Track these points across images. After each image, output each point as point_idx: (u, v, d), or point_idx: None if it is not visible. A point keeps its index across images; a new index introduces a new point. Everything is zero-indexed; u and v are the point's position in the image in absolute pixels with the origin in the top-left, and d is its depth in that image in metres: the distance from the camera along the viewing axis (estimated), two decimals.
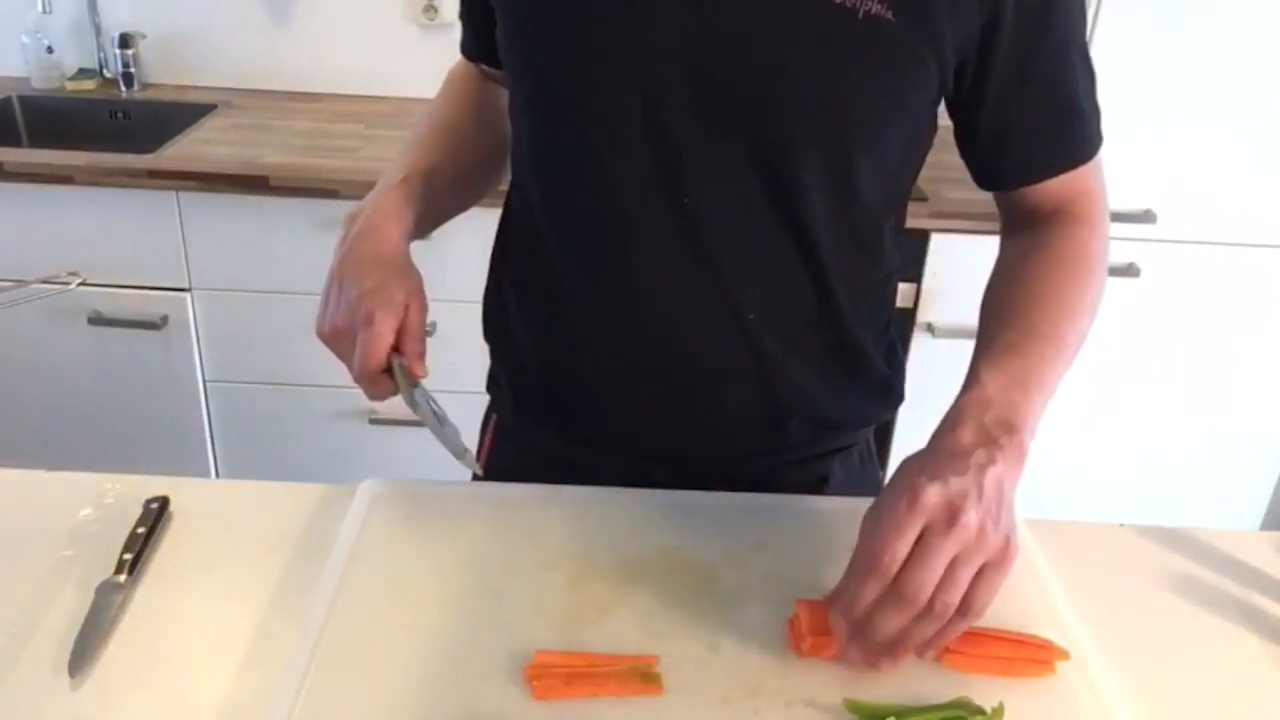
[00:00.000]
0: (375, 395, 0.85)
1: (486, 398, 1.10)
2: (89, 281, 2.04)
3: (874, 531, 0.70)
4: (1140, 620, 0.84)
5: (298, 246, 2.04)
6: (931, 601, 0.68)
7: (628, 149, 0.85)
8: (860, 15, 0.78)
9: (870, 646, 0.71)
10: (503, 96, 1.00)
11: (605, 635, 0.76)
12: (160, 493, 0.91)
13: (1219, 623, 0.84)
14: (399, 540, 0.85)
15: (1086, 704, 0.72)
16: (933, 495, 0.68)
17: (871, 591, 0.69)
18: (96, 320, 2.09)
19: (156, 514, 0.88)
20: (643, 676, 0.71)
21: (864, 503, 0.74)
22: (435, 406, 0.83)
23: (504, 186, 1.02)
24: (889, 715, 0.68)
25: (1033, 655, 0.75)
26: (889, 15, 0.78)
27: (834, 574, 0.82)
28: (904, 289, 2.04)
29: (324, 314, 0.86)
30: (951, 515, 0.68)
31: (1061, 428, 2.25)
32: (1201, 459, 2.29)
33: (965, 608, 0.69)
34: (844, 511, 0.90)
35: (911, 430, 2.04)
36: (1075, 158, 0.90)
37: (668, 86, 0.82)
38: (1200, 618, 0.85)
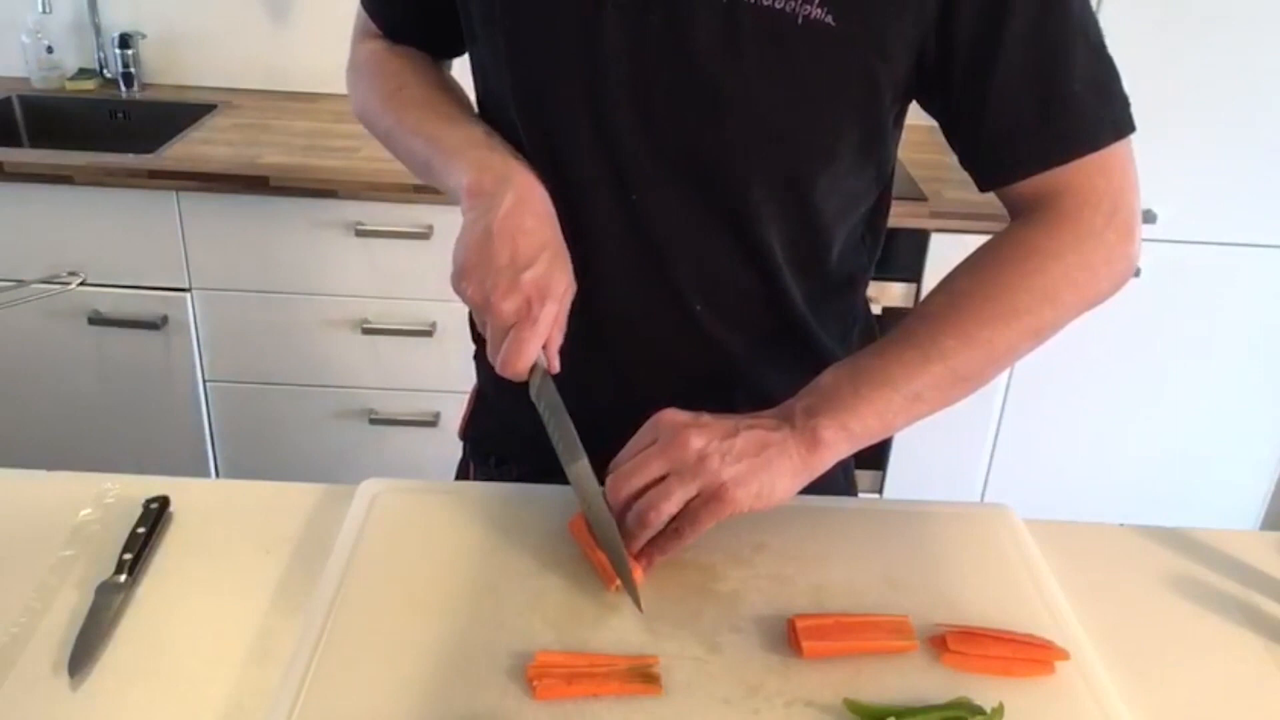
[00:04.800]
0: (511, 375, 0.82)
1: None
2: (89, 281, 2.04)
3: None
4: (1140, 620, 0.84)
5: (298, 246, 2.04)
6: (640, 512, 0.76)
7: (580, 145, 0.85)
8: (799, 20, 0.77)
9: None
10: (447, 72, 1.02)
11: (605, 635, 0.76)
12: (160, 493, 0.91)
13: (1219, 623, 0.84)
14: (399, 540, 0.85)
15: (1086, 704, 0.72)
16: (672, 417, 0.78)
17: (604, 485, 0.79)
18: (96, 320, 2.10)
19: (156, 514, 0.88)
20: (643, 676, 0.71)
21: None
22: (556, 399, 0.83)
23: None
24: (889, 715, 0.68)
25: (1033, 655, 0.75)
26: (829, 20, 0.77)
27: (834, 574, 0.82)
28: (903, 289, 2.04)
29: (473, 274, 0.80)
30: (677, 438, 0.76)
31: (1063, 428, 2.25)
32: (1201, 459, 2.29)
33: (676, 529, 0.76)
34: (845, 511, 0.91)
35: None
36: (1054, 154, 0.82)
37: (613, 90, 0.83)
38: (1200, 618, 0.85)
